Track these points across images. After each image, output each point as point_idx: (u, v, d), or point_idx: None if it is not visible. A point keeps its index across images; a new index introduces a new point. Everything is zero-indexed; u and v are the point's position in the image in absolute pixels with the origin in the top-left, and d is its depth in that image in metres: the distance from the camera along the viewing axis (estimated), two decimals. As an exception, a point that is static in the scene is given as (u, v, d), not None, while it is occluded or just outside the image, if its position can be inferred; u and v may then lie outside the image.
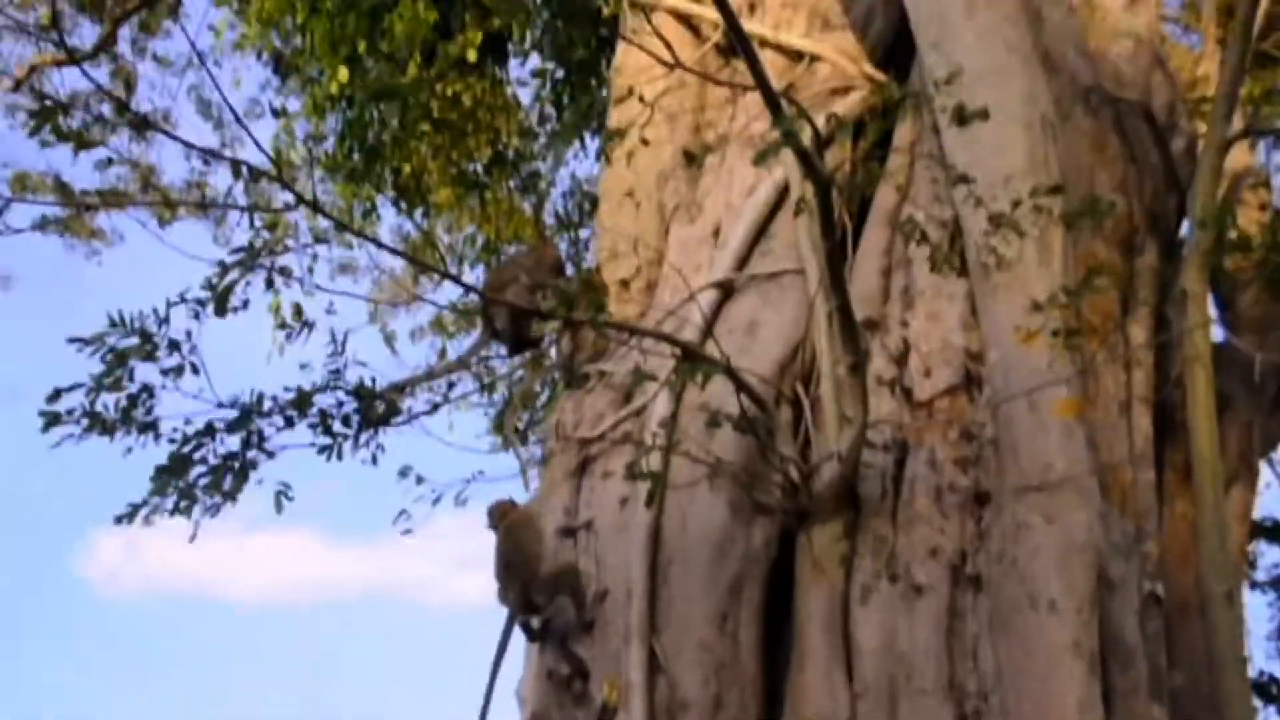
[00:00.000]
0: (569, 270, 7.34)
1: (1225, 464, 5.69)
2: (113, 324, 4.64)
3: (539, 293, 6.24)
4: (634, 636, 5.31)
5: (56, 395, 4.74)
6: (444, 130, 9.99)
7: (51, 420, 4.75)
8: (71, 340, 4.78)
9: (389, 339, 12.57)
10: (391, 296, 13.66)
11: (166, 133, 4.81)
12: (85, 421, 4.85)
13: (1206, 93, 7.19)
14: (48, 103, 4.11)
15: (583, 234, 11.45)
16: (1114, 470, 5.54)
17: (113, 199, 13.04)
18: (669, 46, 5.06)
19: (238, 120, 5.37)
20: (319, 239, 4.76)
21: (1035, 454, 5.25)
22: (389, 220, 12.19)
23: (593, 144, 11.31)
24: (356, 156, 10.76)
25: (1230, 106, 5.38)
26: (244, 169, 4.23)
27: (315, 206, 4.73)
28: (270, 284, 4.69)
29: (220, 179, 15.04)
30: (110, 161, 13.10)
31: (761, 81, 4.24)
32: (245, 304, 4.76)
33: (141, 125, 12.50)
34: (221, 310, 4.67)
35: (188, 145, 5.03)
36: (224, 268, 4.58)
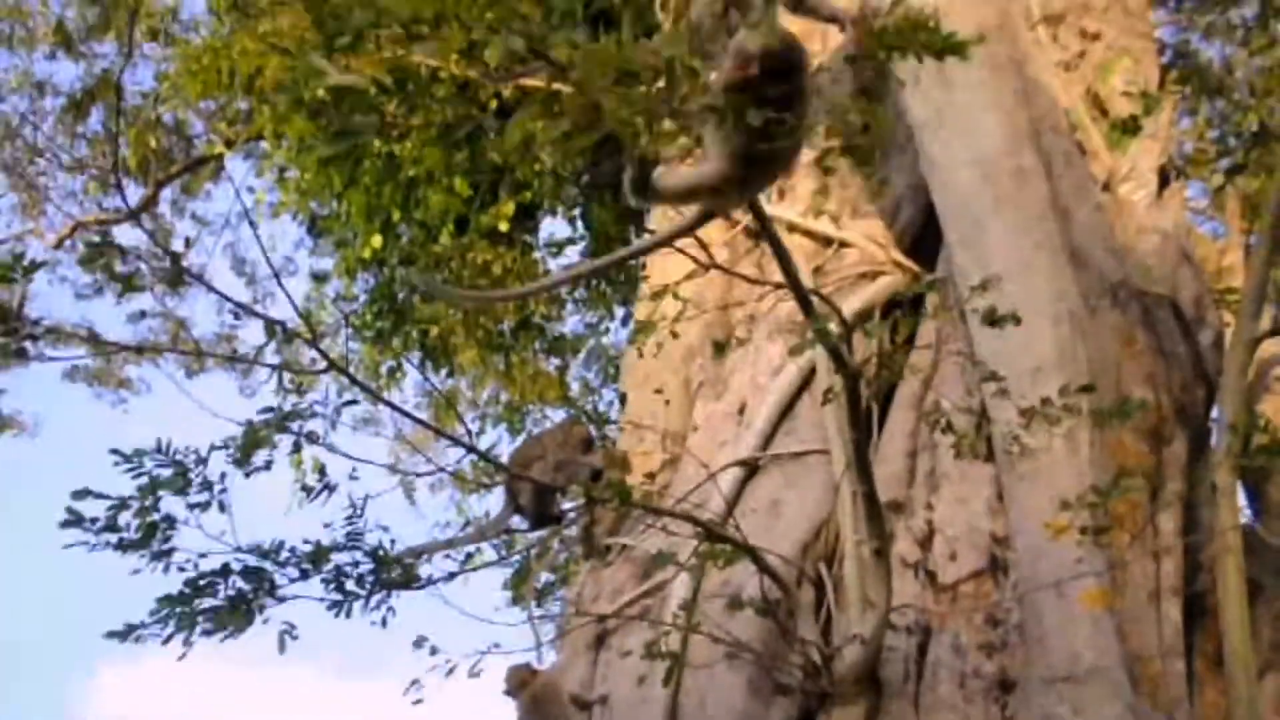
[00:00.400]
0: (596, 442, 7.37)
1: (1257, 653, 5.58)
2: (158, 449, 4.65)
3: (564, 470, 6.24)
4: (649, 821, 5.18)
5: (84, 494, 4.71)
6: (473, 295, 10.13)
7: (73, 521, 4.72)
8: (113, 451, 4.78)
9: (409, 490, 12.59)
10: (413, 452, 13.74)
11: (206, 284, 4.89)
12: (104, 533, 4.81)
13: (1233, 283, 7.27)
14: (107, 239, 4.19)
15: (606, 395, 11.55)
16: (1143, 661, 5.41)
17: (146, 348, 13.24)
18: (702, 244, 5.16)
19: (276, 280, 5.47)
20: (348, 403, 4.80)
21: (1063, 644, 5.15)
22: (414, 376, 12.39)
23: (619, 310, 11.51)
24: (385, 318, 10.94)
25: (1258, 305, 5.44)
26: (278, 328, 4.28)
27: (344, 371, 4.77)
28: (297, 448, 4.71)
29: (249, 334, 15.29)
30: (144, 314, 13.39)
31: (792, 280, 4.31)
32: (269, 464, 4.78)
33: (176, 280, 12.80)
34: (244, 464, 4.69)
35: (224, 298, 5.10)
36: (251, 428, 4.61)
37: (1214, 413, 6.24)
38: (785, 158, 3.72)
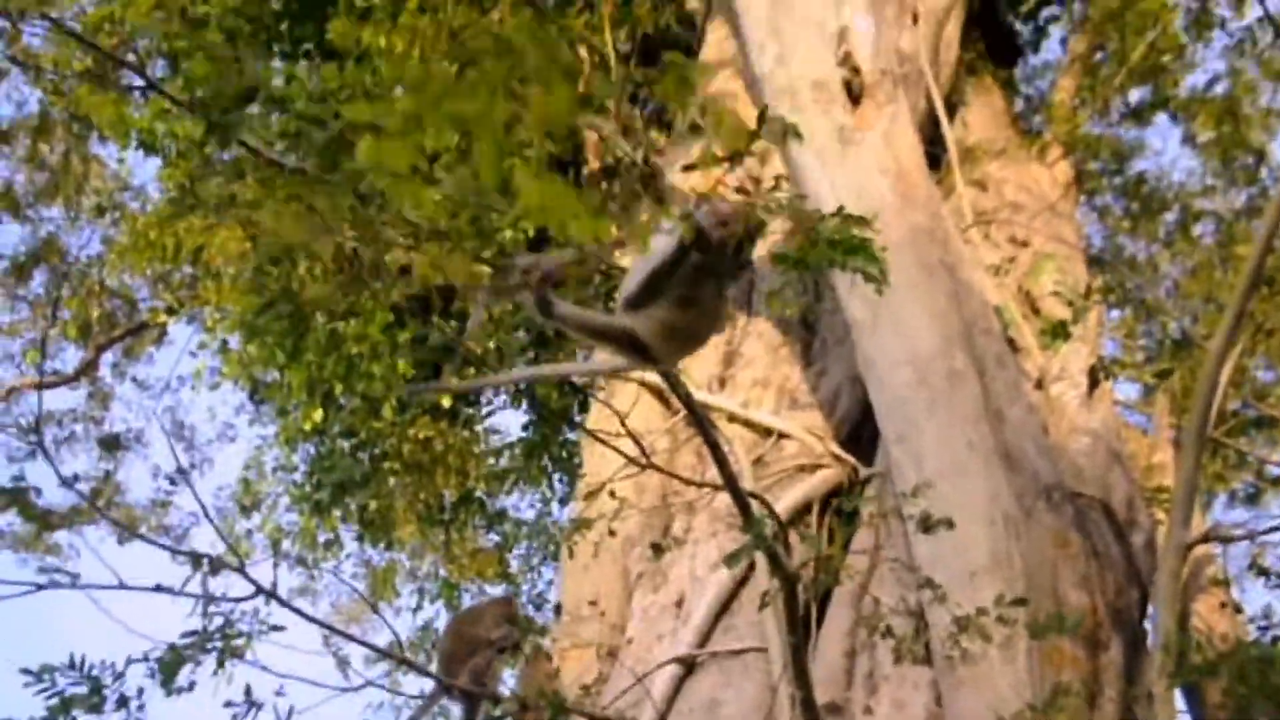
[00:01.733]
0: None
1: None
2: (71, 665, 4.52)
3: (499, 660, 6.12)
4: None
5: None
6: (413, 471, 10.09)
7: None
8: (23, 671, 4.64)
9: (342, 663, 12.26)
10: (348, 617, 13.48)
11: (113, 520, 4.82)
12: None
13: (1163, 479, 7.39)
14: (21, 484, 4.13)
15: (546, 573, 11.43)
16: None
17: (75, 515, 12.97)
18: (637, 440, 5.19)
19: (203, 509, 5.36)
20: (274, 628, 4.72)
21: None
22: (351, 547, 12.21)
23: (560, 486, 11.47)
24: (323, 489, 10.82)
25: (1187, 512, 5.51)
26: (204, 560, 4.21)
27: (273, 595, 4.67)
28: (221, 664, 4.61)
29: (186, 500, 15.07)
30: (77, 478, 13.14)
31: (729, 482, 4.33)
32: (192, 685, 4.65)
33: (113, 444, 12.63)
34: (168, 688, 4.58)
35: (136, 535, 5.06)
36: (175, 650, 4.50)
37: (1149, 611, 6.28)
38: (706, 333, 3.56)
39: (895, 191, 6.72)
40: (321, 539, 11.51)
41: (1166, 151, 13.58)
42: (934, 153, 8.04)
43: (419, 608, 11.77)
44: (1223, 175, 9.53)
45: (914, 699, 5.85)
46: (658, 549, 6.09)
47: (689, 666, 6.32)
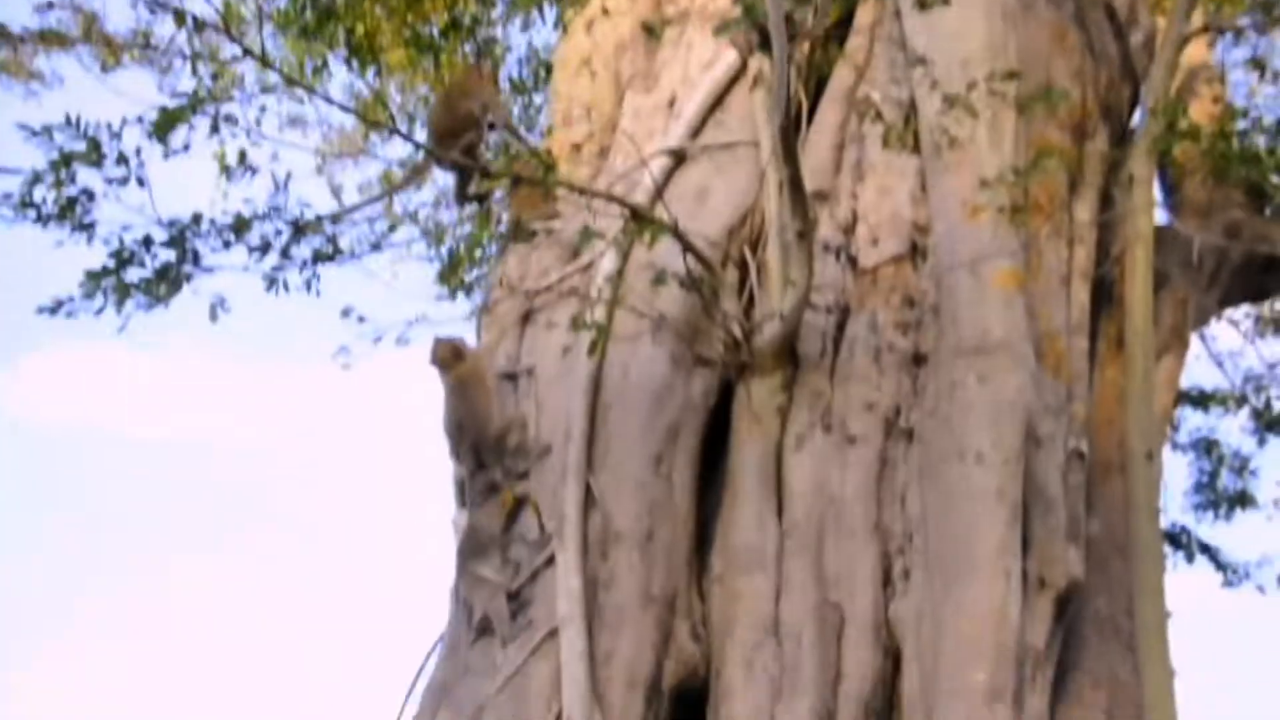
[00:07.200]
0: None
1: (1158, 336, 5.90)
2: (68, 123, 4.56)
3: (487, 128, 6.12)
4: (570, 474, 5.37)
5: None
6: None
7: None
8: (21, 126, 4.68)
9: (336, 191, 12.43)
10: (340, 149, 13.51)
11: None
12: (20, 208, 4.77)
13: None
14: None
15: (537, 100, 11.35)
16: (1050, 338, 5.65)
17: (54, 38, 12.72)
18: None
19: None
20: (266, 89, 4.71)
21: (974, 320, 5.38)
22: (340, 78, 11.99)
23: (551, 11, 11.21)
24: (309, 13, 10.57)
25: (1190, 3, 5.47)
26: (189, 18, 4.16)
27: (263, 59, 4.66)
28: (215, 128, 4.64)
29: (167, 30, 14.70)
30: (51, 5, 12.77)
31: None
32: (187, 147, 4.70)
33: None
34: (163, 138, 4.62)
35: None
36: (165, 110, 4.53)
37: (1137, 114, 6.35)
38: None
39: None
40: (309, 68, 11.36)
41: None
42: None
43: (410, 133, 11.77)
44: None
45: (900, 185, 6.00)
46: (651, 30, 6.01)
47: (679, 158, 6.41)
